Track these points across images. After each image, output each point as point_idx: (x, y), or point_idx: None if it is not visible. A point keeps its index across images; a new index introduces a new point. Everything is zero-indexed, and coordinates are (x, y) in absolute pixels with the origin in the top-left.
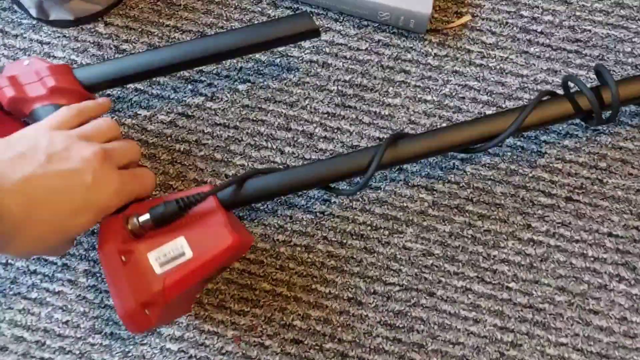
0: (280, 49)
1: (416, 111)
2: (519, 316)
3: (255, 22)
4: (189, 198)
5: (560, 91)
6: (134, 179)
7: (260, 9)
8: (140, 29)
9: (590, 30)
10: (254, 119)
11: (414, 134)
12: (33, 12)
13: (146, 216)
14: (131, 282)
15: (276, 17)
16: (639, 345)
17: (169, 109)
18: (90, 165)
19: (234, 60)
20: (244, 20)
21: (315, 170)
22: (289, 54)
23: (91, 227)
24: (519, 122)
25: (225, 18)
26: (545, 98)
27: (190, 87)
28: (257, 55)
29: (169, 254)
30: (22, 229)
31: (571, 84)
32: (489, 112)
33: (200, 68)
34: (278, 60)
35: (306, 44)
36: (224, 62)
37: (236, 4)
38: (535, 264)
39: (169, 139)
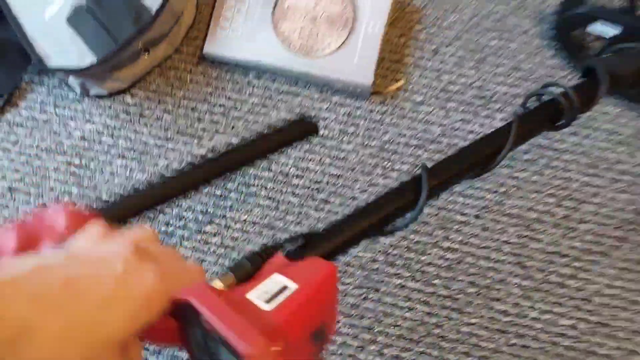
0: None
1: (365, 154)
2: (440, 304)
3: (244, 90)
4: (264, 251)
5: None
6: (175, 265)
7: (247, 80)
8: (157, 99)
9: (493, 89)
10: None
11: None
12: (77, 89)
13: (229, 275)
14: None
15: (279, 124)
16: (529, 323)
17: None
18: (120, 255)
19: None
20: (235, 89)
21: (367, 215)
22: (271, 115)
23: (131, 329)
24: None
25: (220, 88)
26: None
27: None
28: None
29: (271, 290)
30: (33, 332)
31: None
32: (418, 153)
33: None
34: None
35: None
36: None
37: (228, 78)
38: (452, 266)
39: None
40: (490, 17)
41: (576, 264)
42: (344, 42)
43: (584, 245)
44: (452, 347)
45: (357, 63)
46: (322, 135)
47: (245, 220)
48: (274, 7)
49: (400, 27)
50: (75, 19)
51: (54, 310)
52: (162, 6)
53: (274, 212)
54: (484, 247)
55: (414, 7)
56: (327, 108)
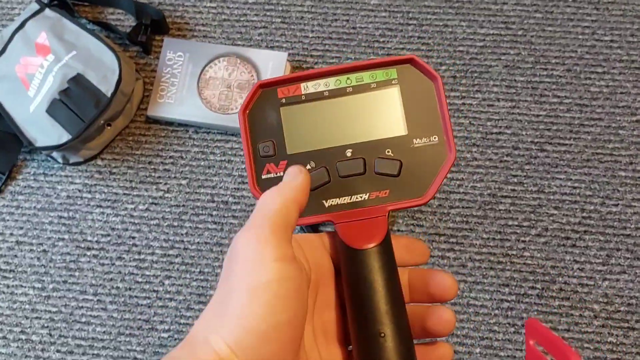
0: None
1: None
2: None
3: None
4: None
5: None
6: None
7: (188, 135)
8: (122, 159)
9: None
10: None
11: None
12: (60, 160)
13: None
14: None
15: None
16: None
17: None
18: None
19: None
20: (179, 144)
21: None
22: (209, 158)
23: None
24: None
25: (169, 144)
26: None
27: None
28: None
29: None
30: None
31: None
32: None
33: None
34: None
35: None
36: None
37: (173, 135)
38: None
39: None
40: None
41: (452, 239)
42: None
43: (456, 225)
44: None
45: None
46: None
47: (198, 242)
48: (199, 79)
49: None
50: (52, 110)
51: None
52: (115, 91)
53: (220, 233)
54: None
55: (308, 64)
56: None
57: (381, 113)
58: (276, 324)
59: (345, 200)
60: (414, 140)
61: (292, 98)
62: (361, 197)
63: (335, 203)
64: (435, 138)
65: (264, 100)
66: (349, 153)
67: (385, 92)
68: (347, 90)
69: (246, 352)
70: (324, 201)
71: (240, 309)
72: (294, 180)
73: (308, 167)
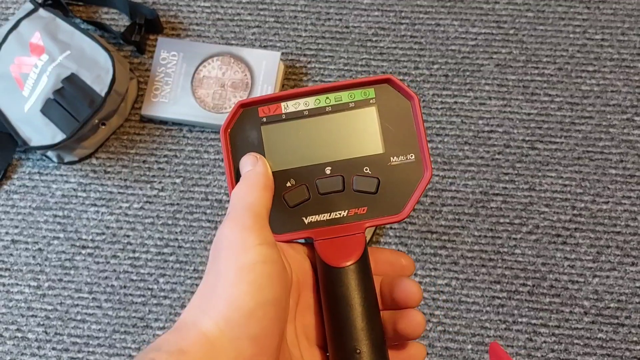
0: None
1: None
2: None
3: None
4: None
5: None
6: None
7: (182, 134)
8: (116, 158)
9: None
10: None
11: None
12: (54, 159)
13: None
14: None
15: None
16: None
17: None
18: None
19: None
20: (174, 142)
21: None
22: (203, 157)
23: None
24: None
25: (163, 143)
26: None
27: None
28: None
29: None
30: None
31: None
32: None
33: None
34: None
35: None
36: None
37: (167, 134)
38: None
39: None
40: (358, 64)
41: (444, 237)
42: None
43: (448, 223)
44: None
45: None
46: None
47: (192, 240)
48: (192, 78)
49: (293, 79)
50: (46, 109)
51: None
52: (109, 91)
53: (214, 231)
54: None
55: (302, 63)
56: None
57: (359, 132)
58: (263, 302)
59: (325, 217)
60: (391, 158)
61: (272, 117)
62: (340, 214)
63: (315, 220)
64: (412, 156)
65: (245, 119)
66: (328, 171)
67: (363, 112)
68: (326, 110)
69: (233, 329)
70: (304, 218)
71: (228, 288)
72: (256, 168)
73: (288, 184)
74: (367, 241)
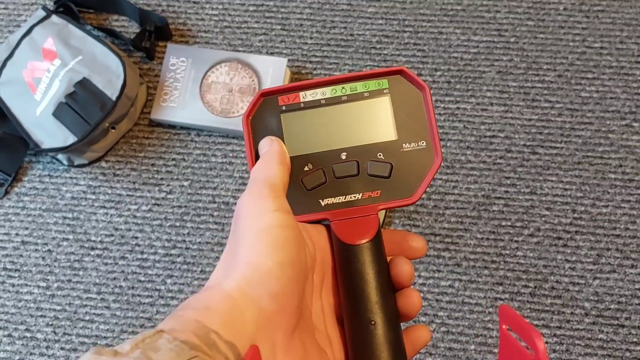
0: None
1: None
2: None
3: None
4: None
5: None
6: None
7: (190, 138)
8: (125, 161)
9: None
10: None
11: None
12: (65, 162)
13: None
14: None
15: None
16: (417, 288)
17: None
18: None
19: None
20: (182, 146)
21: None
22: (211, 160)
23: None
24: None
25: (171, 147)
26: None
27: None
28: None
29: None
30: None
31: None
32: None
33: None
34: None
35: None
36: None
37: (176, 138)
38: None
39: None
40: (363, 70)
41: (447, 239)
42: None
43: (451, 225)
44: None
45: None
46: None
47: (200, 242)
48: (201, 84)
49: None
50: (58, 113)
51: None
52: (120, 95)
53: (221, 233)
54: None
55: (307, 69)
56: None
57: (373, 120)
58: (280, 261)
59: (340, 199)
60: (404, 144)
61: (291, 105)
62: (355, 196)
63: (331, 202)
64: (423, 143)
65: (266, 107)
66: (343, 156)
67: (377, 101)
68: (342, 99)
69: (254, 288)
70: (320, 200)
71: (247, 250)
72: (272, 147)
73: (306, 168)
74: (381, 223)
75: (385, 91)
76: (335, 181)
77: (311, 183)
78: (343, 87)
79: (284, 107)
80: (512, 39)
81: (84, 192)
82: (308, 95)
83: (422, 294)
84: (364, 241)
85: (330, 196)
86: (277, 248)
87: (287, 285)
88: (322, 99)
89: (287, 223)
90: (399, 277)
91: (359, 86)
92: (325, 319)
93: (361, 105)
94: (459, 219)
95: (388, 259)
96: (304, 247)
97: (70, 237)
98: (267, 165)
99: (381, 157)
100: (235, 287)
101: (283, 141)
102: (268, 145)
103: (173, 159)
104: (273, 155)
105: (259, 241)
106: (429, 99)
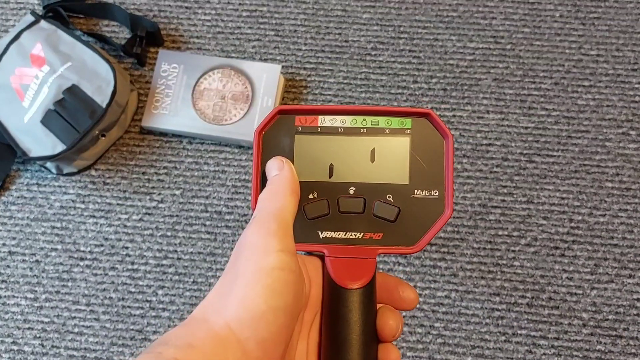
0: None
1: None
2: None
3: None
4: None
5: None
6: None
7: (182, 146)
8: (115, 170)
9: None
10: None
11: None
12: (53, 170)
13: None
14: None
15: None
16: None
17: None
18: None
19: None
20: (173, 154)
21: None
22: (203, 169)
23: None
24: None
25: (162, 155)
26: None
27: None
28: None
29: None
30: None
31: None
32: None
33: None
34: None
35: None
36: None
37: (167, 146)
38: None
39: None
40: (357, 77)
41: (443, 249)
42: (245, 113)
43: (447, 235)
44: None
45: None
46: (244, 180)
47: (192, 252)
48: (193, 90)
49: (293, 92)
50: (46, 120)
51: None
52: (110, 102)
53: (213, 243)
54: None
55: (301, 76)
56: (245, 159)
57: (389, 159)
58: (275, 306)
59: (340, 235)
60: (416, 190)
61: (308, 128)
62: (355, 235)
63: (330, 236)
64: (435, 193)
65: (281, 125)
66: (351, 191)
67: (397, 140)
68: (361, 131)
69: (243, 330)
70: (320, 232)
71: (243, 288)
72: (283, 172)
73: (310, 196)
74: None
75: (407, 131)
76: (338, 215)
77: (313, 212)
78: (364, 119)
79: (299, 128)
80: (509, 46)
81: (73, 201)
82: (327, 121)
83: (418, 305)
84: (356, 286)
85: (330, 229)
86: (275, 292)
87: (277, 332)
88: (340, 127)
89: (290, 266)
90: (383, 330)
91: (381, 121)
92: None
93: (379, 142)
94: (455, 229)
95: (377, 306)
96: (302, 291)
97: (59, 247)
98: (277, 194)
99: (390, 199)
100: (224, 325)
101: (292, 162)
102: (278, 168)
103: (164, 167)
104: (284, 182)
105: (257, 281)
106: (451, 149)
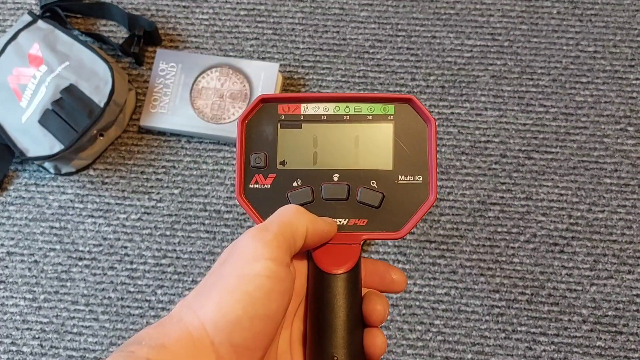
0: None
1: None
2: None
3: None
4: None
5: None
6: None
7: (181, 145)
8: (114, 169)
9: None
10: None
11: None
12: (52, 170)
13: None
14: None
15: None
16: (414, 296)
17: None
18: None
19: None
20: (172, 153)
21: None
22: (202, 168)
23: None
24: None
25: (161, 154)
26: None
27: None
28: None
29: None
30: None
31: None
32: None
33: None
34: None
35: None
36: None
37: (166, 145)
38: None
39: None
40: (355, 75)
41: (442, 246)
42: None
43: (446, 232)
44: None
45: None
46: None
47: (191, 251)
48: (191, 89)
49: (291, 90)
50: (44, 120)
51: None
52: (108, 101)
53: (212, 242)
54: None
55: (300, 74)
56: None
57: (372, 145)
58: (252, 314)
59: None
60: (399, 176)
61: (291, 116)
62: (340, 221)
63: None
64: (419, 178)
65: (264, 114)
66: (335, 177)
67: (380, 126)
68: (344, 118)
69: (217, 333)
70: None
71: (223, 292)
72: (326, 221)
73: (294, 184)
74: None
75: (390, 117)
76: (322, 202)
77: (297, 200)
78: (347, 106)
79: (282, 117)
80: (506, 43)
81: (71, 201)
82: (310, 109)
83: (417, 302)
84: (340, 271)
85: None
86: (254, 300)
87: (252, 339)
88: (323, 115)
89: (277, 274)
90: (370, 315)
91: (364, 108)
92: (292, 352)
93: (362, 128)
94: (454, 226)
95: (363, 292)
96: (287, 301)
97: (58, 247)
98: (300, 216)
99: (374, 185)
100: (199, 326)
101: (276, 152)
102: (329, 221)
103: (163, 167)
104: (318, 221)
105: (238, 287)
106: (434, 133)
